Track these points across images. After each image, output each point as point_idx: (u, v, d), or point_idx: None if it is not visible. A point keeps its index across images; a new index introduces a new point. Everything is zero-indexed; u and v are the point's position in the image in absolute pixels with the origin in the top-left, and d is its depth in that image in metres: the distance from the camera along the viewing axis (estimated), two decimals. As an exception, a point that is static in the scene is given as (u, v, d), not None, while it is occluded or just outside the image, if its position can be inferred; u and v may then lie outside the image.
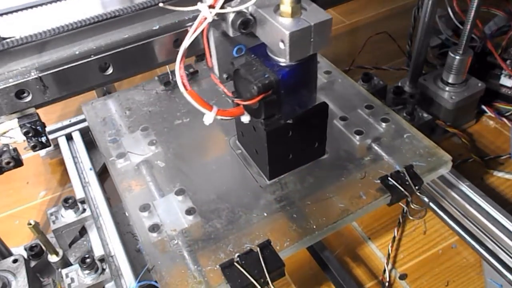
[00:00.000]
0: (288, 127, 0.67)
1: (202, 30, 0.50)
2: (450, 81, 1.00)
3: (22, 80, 0.59)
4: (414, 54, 1.04)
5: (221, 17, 0.52)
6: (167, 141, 0.81)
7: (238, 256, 0.61)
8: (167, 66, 0.84)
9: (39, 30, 0.59)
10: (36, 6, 0.61)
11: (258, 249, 0.61)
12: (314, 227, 0.66)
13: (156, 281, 0.63)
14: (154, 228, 0.66)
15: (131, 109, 0.89)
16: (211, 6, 0.49)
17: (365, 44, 1.28)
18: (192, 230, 0.66)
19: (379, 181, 0.71)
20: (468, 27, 0.92)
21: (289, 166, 0.73)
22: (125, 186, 0.74)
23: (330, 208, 0.68)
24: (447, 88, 1.01)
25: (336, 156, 0.76)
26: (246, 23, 0.51)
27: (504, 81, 1.07)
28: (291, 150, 0.71)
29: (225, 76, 0.59)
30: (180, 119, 0.85)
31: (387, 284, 0.82)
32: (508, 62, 1.04)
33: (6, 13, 0.60)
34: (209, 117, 0.54)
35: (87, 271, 0.68)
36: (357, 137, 0.78)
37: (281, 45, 0.49)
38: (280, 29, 0.48)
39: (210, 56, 0.58)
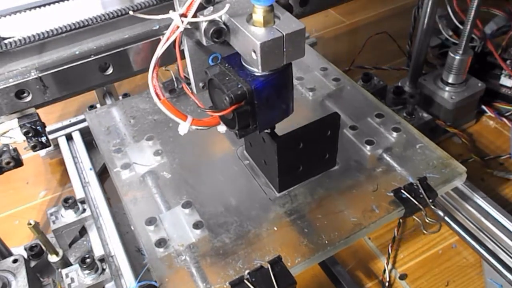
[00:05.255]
0: (299, 139, 0.65)
1: (175, 39, 0.49)
2: (450, 81, 1.00)
3: (22, 80, 0.59)
4: (414, 54, 1.04)
5: (194, 26, 0.51)
6: (172, 151, 0.79)
7: (248, 273, 0.59)
8: (171, 73, 0.84)
9: (39, 30, 0.59)
10: (36, 7, 0.61)
11: (269, 265, 0.59)
12: (326, 242, 0.63)
13: (155, 281, 0.63)
14: (161, 242, 0.64)
15: (136, 117, 0.86)
16: (183, 15, 0.48)
17: (365, 44, 1.28)
18: (200, 245, 0.64)
19: (392, 194, 0.68)
20: (468, 27, 0.92)
21: (299, 178, 0.71)
22: (130, 198, 0.71)
23: (342, 222, 0.66)
24: (447, 88, 1.01)
25: (346, 167, 0.74)
26: (219, 32, 0.50)
27: (504, 81, 1.07)
28: (302, 161, 0.69)
29: (201, 85, 0.58)
30: None
31: (387, 284, 0.82)
32: (508, 62, 1.04)
33: (7, 14, 0.60)
34: (183, 127, 0.52)
35: (87, 271, 0.68)
36: (368, 147, 0.75)
37: (253, 55, 0.48)
38: (251, 39, 0.47)
39: (184, 65, 0.56)
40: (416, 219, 0.70)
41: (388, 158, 0.75)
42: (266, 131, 0.63)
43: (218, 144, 0.81)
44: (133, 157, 0.77)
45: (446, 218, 0.85)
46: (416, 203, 0.67)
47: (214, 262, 0.63)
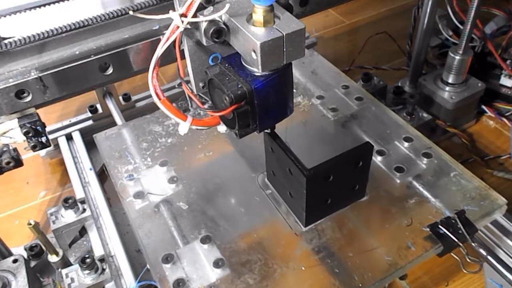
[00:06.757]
0: (329, 171, 0.61)
1: (175, 39, 0.49)
2: (450, 81, 1.00)
3: (22, 80, 0.59)
4: (414, 54, 1.04)
5: (194, 26, 0.51)
6: (188, 178, 0.74)
7: None
8: (185, 91, 0.83)
9: (39, 30, 0.59)
10: (36, 7, 0.61)
11: None
12: (360, 285, 0.58)
13: (155, 281, 0.63)
14: (180, 283, 0.60)
15: (148, 140, 0.81)
16: (183, 15, 0.48)
17: (365, 44, 1.28)
18: (221, 286, 0.60)
19: (428, 229, 0.64)
20: (468, 27, 0.92)
21: (326, 210, 0.67)
22: (145, 232, 0.67)
23: (375, 261, 0.61)
24: (447, 88, 1.01)
25: (376, 197, 0.69)
26: (219, 32, 0.50)
27: (504, 81, 1.07)
28: (331, 194, 0.64)
29: (201, 84, 0.58)
30: (202, 152, 0.78)
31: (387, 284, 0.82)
32: (508, 62, 1.04)
33: (7, 14, 0.60)
34: (184, 126, 0.52)
35: (87, 271, 0.68)
36: (398, 174, 0.71)
37: (253, 55, 0.48)
38: (251, 39, 0.47)
39: (184, 65, 0.56)
40: (455, 256, 0.65)
41: (420, 188, 0.70)
42: (293, 162, 0.60)
43: (237, 171, 0.76)
44: (146, 185, 0.74)
45: (489, 257, 0.76)
46: (455, 239, 0.62)
47: (238, 307, 0.58)
